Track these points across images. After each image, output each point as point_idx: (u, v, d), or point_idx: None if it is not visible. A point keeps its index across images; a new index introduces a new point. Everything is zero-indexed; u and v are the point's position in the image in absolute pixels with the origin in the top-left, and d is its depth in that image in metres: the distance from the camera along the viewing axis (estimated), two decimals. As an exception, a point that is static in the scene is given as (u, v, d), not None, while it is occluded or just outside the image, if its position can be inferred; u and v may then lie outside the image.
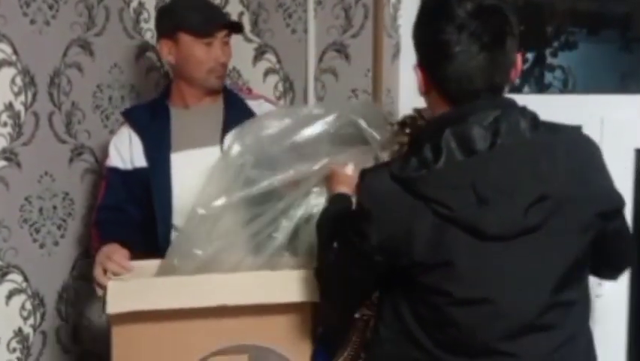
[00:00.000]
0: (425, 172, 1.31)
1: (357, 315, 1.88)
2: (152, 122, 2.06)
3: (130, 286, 1.74)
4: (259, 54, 2.52)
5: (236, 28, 2.10)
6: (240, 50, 2.53)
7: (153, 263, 1.85)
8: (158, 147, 2.03)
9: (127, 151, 2.05)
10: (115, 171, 2.06)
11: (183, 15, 2.00)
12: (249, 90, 2.27)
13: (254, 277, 1.78)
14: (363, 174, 1.42)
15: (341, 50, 2.37)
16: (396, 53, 2.30)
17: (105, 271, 1.79)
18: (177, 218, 2.00)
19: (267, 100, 2.21)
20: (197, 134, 2.04)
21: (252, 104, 2.12)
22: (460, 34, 1.31)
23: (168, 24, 2.03)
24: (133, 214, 2.03)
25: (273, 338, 1.79)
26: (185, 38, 2.00)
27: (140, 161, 2.03)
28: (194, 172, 1.95)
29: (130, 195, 2.04)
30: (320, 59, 2.40)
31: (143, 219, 2.02)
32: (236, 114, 2.04)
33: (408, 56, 2.30)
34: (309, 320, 1.80)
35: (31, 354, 2.20)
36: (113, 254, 1.82)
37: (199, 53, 2.00)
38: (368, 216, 1.37)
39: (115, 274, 1.78)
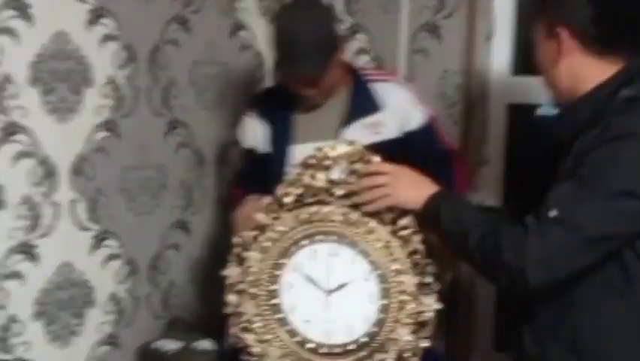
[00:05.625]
0: None
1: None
2: (279, 110, 2.05)
3: None
4: (351, 33, 2.52)
5: (312, 78, 1.93)
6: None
7: None
8: (283, 137, 2.03)
9: (261, 135, 2.06)
10: (250, 152, 2.11)
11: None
12: (383, 73, 2.15)
13: None
14: None
15: (433, 30, 2.36)
16: (489, 35, 2.27)
17: None
18: None
19: (399, 82, 2.10)
20: (319, 127, 2.00)
21: (379, 87, 2.01)
22: None
23: None
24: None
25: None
26: None
27: (267, 147, 2.05)
28: None
29: (258, 177, 2.04)
30: (412, 40, 2.40)
31: None
32: (359, 107, 1.98)
33: (501, 38, 2.29)
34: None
35: (124, 318, 2.29)
36: None
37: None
38: None
39: None
